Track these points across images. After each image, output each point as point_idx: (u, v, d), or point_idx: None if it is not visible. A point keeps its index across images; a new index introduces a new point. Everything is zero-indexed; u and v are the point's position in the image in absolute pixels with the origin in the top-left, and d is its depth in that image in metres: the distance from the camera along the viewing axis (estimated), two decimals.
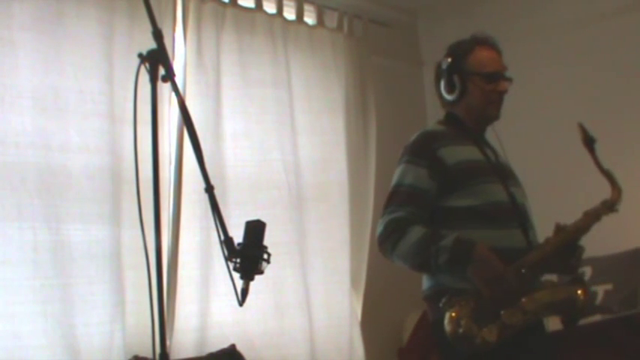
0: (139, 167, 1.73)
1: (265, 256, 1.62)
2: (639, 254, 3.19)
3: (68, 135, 2.66)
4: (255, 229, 1.64)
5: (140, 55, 1.67)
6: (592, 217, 2.05)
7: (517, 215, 2.10)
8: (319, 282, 3.42)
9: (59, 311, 2.54)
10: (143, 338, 2.46)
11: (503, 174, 2.17)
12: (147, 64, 1.66)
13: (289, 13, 3.58)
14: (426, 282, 2.15)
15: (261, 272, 1.62)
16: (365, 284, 3.64)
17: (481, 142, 2.21)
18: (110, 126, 2.76)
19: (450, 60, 2.21)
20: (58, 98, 2.65)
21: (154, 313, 1.58)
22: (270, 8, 3.48)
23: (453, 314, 1.93)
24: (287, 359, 3.21)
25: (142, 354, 2.55)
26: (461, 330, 1.91)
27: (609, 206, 2.05)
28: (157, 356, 1.57)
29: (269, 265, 1.63)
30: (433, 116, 4.42)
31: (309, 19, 3.72)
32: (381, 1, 4.09)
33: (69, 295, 2.57)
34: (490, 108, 2.19)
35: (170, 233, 2.96)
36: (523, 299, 1.96)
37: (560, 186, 3.50)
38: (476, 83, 2.16)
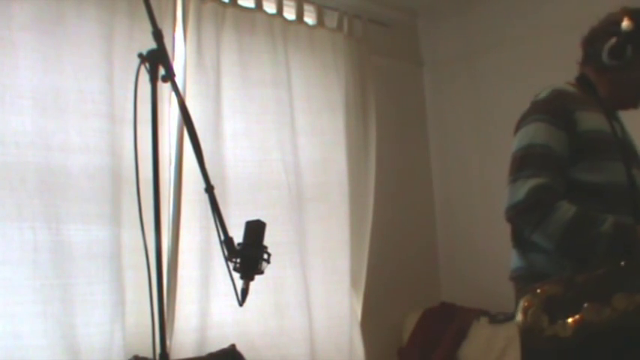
0: (139, 167, 1.73)
1: (265, 256, 1.62)
2: None
3: (68, 135, 2.66)
4: (255, 229, 1.64)
5: (140, 55, 1.67)
6: None
7: (633, 200, 1.87)
8: (319, 282, 3.42)
9: (59, 311, 2.54)
10: (143, 338, 2.46)
11: (627, 152, 1.95)
12: (147, 64, 1.67)
13: (289, 13, 3.58)
14: (515, 261, 1.95)
15: (261, 272, 1.63)
16: (365, 284, 3.64)
17: (610, 114, 1.98)
18: (110, 126, 2.76)
19: (634, 25, 1.91)
20: (58, 98, 2.65)
21: (154, 313, 1.58)
22: (270, 8, 3.48)
23: (525, 303, 1.72)
24: (287, 359, 3.20)
25: (142, 354, 2.55)
26: (528, 320, 1.70)
27: None
28: (157, 356, 1.57)
29: (269, 265, 1.64)
30: (433, 116, 4.47)
31: (309, 19, 3.72)
32: (381, 1, 4.09)
33: (69, 295, 2.57)
34: (638, 95, 2.00)
35: (170, 233, 2.96)
36: (616, 295, 1.69)
37: None
38: None
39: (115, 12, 2.84)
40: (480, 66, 4.08)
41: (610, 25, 1.98)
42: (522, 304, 1.72)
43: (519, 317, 1.72)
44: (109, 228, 2.70)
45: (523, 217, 1.82)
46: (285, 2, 3.54)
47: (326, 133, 3.59)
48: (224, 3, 3.29)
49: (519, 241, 1.94)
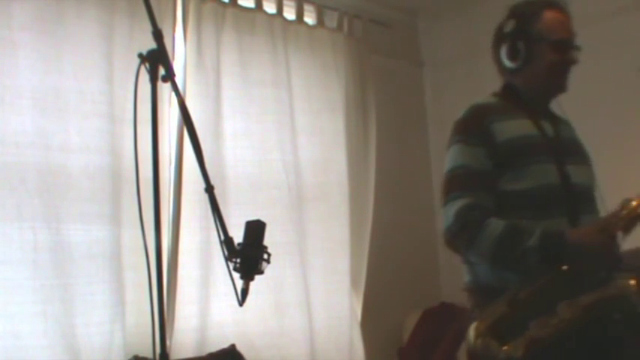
0: (139, 167, 1.73)
1: (265, 256, 1.62)
2: (639, 254, 3.18)
3: (68, 135, 2.66)
4: (255, 229, 1.64)
5: (140, 55, 1.67)
6: None
7: (568, 200, 1.85)
8: (319, 282, 3.43)
9: (59, 311, 2.54)
10: (143, 338, 2.45)
11: (562, 151, 1.92)
12: (147, 64, 1.66)
13: (289, 13, 3.58)
14: (465, 275, 1.97)
15: (261, 272, 1.62)
16: (365, 284, 3.64)
17: (539, 116, 1.97)
18: (110, 126, 2.76)
19: (514, 22, 1.98)
20: (58, 98, 2.65)
21: (154, 313, 1.58)
22: (270, 8, 3.48)
23: (474, 329, 1.73)
24: (287, 359, 3.21)
25: (142, 354, 2.55)
26: (479, 349, 1.72)
27: None
28: (157, 356, 1.57)
29: (269, 265, 1.63)
30: (433, 116, 4.47)
31: (309, 19, 3.72)
32: (381, 1, 4.08)
33: (69, 295, 2.57)
34: (556, 79, 1.97)
35: (170, 233, 2.96)
36: (560, 304, 1.70)
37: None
38: (542, 51, 1.94)
39: (115, 12, 2.84)
40: (480, 66, 4.05)
41: (498, 32, 2.03)
42: (470, 332, 1.74)
43: (470, 343, 1.74)
44: (109, 228, 2.71)
45: (455, 240, 1.86)
46: (285, 2, 3.54)
47: (326, 133, 3.59)
48: (224, 3, 3.29)
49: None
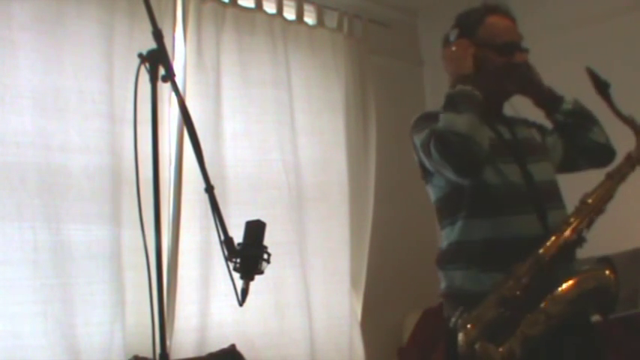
0: (139, 167, 1.73)
1: (265, 256, 1.62)
2: (639, 254, 3.19)
3: (68, 135, 2.67)
4: (255, 229, 1.64)
5: (140, 55, 1.67)
6: (616, 179, 1.84)
7: (533, 197, 1.86)
8: (319, 282, 3.43)
9: (59, 311, 2.54)
10: (143, 338, 2.46)
11: (521, 151, 1.93)
12: (147, 64, 1.66)
13: (289, 13, 3.58)
14: (441, 281, 1.98)
15: (261, 272, 1.62)
16: (365, 284, 3.64)
17: (494, 120, 1.97)
18: (110, 126, 2.77)
19: (458, 31, 1.97)
20: (58, 98, 2.65)
21: (154, 313, 1.58)
22: (270, 8, 3.48)
23: (466, 335, 1.71)
24: (287, 359, 3.21)
25: (142, 354, 2.55)
26: (477, 355, 1.69)
27: (635, 161, 1.85)
28: (157, 356, 1.57)
29: (269, 265, 1.63)
30: None
31: (309, 19, 3.72)
32: (381, 1, 4.09)
33: (69, 295, 2.58)
34: (505, 82, 1.96)
35: (170, 233, 2.96)
36: (543, 302, 1.71)
37: None
38: (488, 56, 1.94)
39: (115, 12, 2.85)
40: None
41: (445, 41, 2.02)
42: (461, 338, 1.72)
43: (464, 350, 1.71)
44: (109, 228, 2.71)
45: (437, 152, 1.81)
46: (285, 2, 3.54)
47: (326, 133, 3.59)
48: (224, 3, 3.29)
49: (439, 262, 2.00)
